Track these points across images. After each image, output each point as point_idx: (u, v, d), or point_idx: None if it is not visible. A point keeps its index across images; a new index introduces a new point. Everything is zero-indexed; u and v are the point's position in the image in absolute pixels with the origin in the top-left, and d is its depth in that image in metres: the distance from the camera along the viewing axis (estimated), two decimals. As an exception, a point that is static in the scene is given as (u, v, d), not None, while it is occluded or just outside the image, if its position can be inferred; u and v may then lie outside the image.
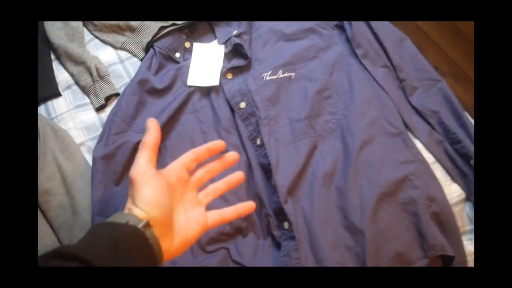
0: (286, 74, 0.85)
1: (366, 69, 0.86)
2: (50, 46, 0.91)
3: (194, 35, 0.91)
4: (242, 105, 0.81)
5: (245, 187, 0.75)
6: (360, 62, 0.86)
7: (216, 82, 0.84)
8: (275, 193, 0.72)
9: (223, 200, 0.73)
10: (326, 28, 0.91)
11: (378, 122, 0.80)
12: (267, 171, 0.75)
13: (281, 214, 0.71)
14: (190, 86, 0.84)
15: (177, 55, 0.87)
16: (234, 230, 0.71)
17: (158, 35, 0.88)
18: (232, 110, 0.82)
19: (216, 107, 0.82)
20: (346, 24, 0.90)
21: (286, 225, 0.70)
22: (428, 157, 0.79)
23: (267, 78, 0.84)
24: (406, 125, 0.81)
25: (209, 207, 0.71)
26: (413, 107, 0.84)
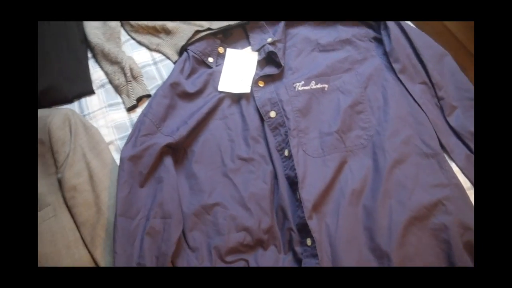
0: (319, 85, 0.83)
1: (402, 84, 0.82)
2: (88, 45, 0.93)
3: (228, 41, 0.91)
4: (272, 114, 0.80)
5: (270, 198, 0.73)
6: (397, 77, 0.83)
7: (247, 90, 0.83)
8: (299, 208, 0.70)
9: (246, 209, 0.72)
10: (363, 40, 0.89)
11: (413, 141, 0.77)
12: (293, 184, 0.73)
13: (304, 230, 0.69)
14: (221, 92, 0.83)
15: (210, 59, 0.87)
16: (255, 242, 0.70)
17: (193, 39, 0.88)
18: (261, 119, 0.80)
19: (246, 114, 0.81)
20: (384, 37, 0.87)
21: (309, 241, 0.68)
22: (464, 182, 0.75)
23: (299, 89, 0.82)
24: (443, 146, 0.77)
25: (233, 217, 0.71)
26: (451, 128, 0.80)
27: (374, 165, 0.75)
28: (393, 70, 0.84)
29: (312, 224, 0.68)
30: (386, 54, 0.86)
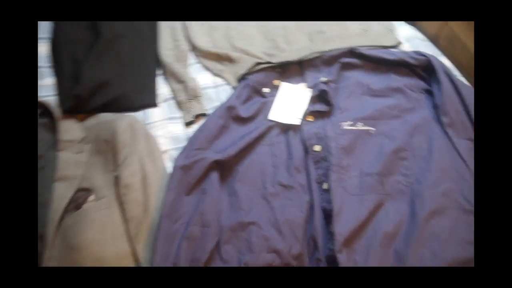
0: (365, 127, 0.86)
1: (449, 138, 0.84)
2: (159, 63, 1.04)
3: (284, 75, 0.98)
4: (317, 148, 0.84)
5: (304, 226, 0.76)
6: (444, 130, 0.85)
7: (297, 122, 0.88)
8: (331, 240, 0.72)
9: (279, 233, 0.75)
10: (414, 91, 0.92)
11: (453, 195, 0.77)
12: (327, 216, 0.76)
13: (333, 263, 0.70)
14: (271, 121, 0.89)
15: (266, 90, 0.94)
16: (284, 266, 0.72)
17: (253, 69, 0.96)
18: (305, 150, 0.85)
19: (292, 145, 0.85)
20: (435, 90, 0.90)
21: (336, 274, 0.69)
22: (504, 244, 0.73)
23: (346, 128, 0.86)
24: (484, 205, 0.77)
25: (266, 237, 0.74)
26: (495, 188, 0.79)
27: (410, 212, 0.76)
28: (441, 123, 0.86)
29: (341, 258, 0.70)
30: (435, 107, 0.88)
